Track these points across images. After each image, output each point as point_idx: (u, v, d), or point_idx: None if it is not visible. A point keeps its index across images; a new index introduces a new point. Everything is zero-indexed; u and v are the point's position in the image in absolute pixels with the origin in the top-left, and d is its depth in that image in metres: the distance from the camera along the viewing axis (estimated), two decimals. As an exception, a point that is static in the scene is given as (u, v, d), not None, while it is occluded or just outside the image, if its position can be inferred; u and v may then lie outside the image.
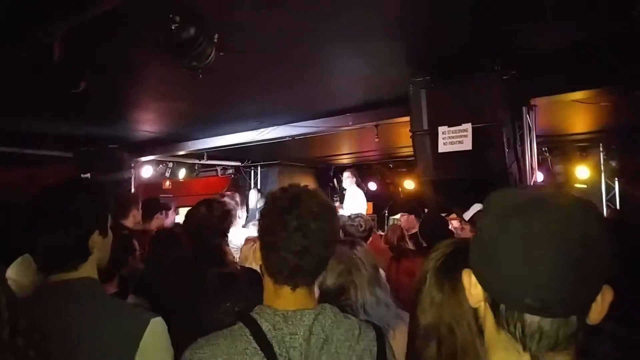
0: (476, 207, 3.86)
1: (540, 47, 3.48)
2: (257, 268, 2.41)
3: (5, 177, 9.75)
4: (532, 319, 0.68)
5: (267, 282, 1.17)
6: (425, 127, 3.84)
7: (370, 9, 2.81)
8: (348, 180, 7.40)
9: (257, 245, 1.19)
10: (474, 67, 3.58)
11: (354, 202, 7.21)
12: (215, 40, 2.18)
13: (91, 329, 1.19)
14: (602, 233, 0.68)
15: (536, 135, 4.30)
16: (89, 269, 1.29)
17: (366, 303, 1.72)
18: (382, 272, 1.98)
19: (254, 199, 8.36)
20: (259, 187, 9.19)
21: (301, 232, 1.10)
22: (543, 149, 7.17)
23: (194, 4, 2.16)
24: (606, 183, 7.21)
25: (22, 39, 3.07)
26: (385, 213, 8.45)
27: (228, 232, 2.20)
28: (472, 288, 0.76)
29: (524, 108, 4.01)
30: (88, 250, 1.29)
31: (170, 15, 2.00)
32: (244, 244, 2.62)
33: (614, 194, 7.20)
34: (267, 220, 1.15)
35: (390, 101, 4.67)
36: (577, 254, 0.65)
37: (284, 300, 1.12)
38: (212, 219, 2.11)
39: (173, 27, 2.01)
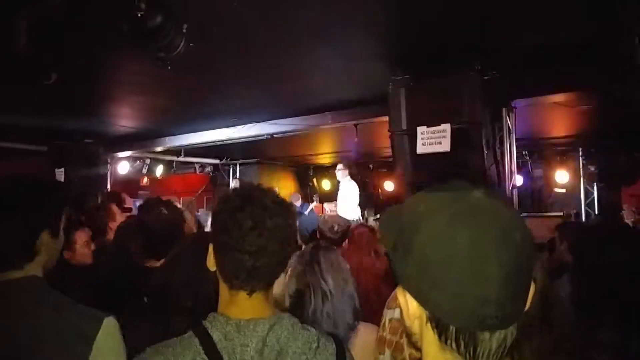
0: None
1: (521, 47, 3.45)
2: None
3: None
4: (483, 337, 0.66)
5: (222, 288, 1.10)
6: (404, 126, 3.78)
7: (350, 3, 2.74)
8: (341, 172, 7.31)
9: (210, 248, 1.11)
10: (454, 66, 3.54)
11: (347, 195, 7.13)
12: (184, 30, 2.08)
13: (40, 329, 1.14)
14: (523, 224, 0.68)
15: (516, 138, 4.30)
16: (33, 269, 1.23)
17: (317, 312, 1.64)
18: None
19: None
20: (238, 184, 9.08)
21: (257, 231, 1.03)
22: (523, 152, 7.22)
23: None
24: (585, 187, 7.29)
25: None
26: (365, 214, 8.42)
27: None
28: (409, 307, 0.73)
29: (504, 109, 4.00)
30: (35, 250, 1.23)
31: (135, 2, 1.89)
32: None
33: (593, 198, 7.29)
34: (220, 220, 1.07)
35: (370, 100, 4.62)
36: (520, 260, 0.65)
37: (238, 308, 1.05)
38: (175, 220, 2.02)
39: (139, 15, 1.90)
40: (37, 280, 1.23)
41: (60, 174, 6.84)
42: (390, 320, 1.64)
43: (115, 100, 5.25)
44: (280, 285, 1.64)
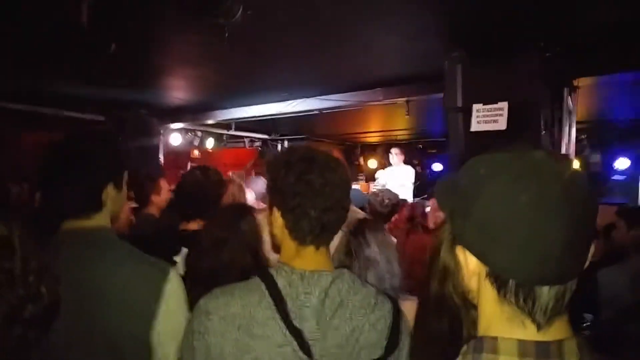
0: None
1: (588, 22, 3.26)
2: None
3: (44, 137, 10.09)
4: (542, 291, 0.68)
5: (289, 244, 1.14)
6: (459, 104, 3.70)
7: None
8: (396, 157, 7.16)
9: (277, 212, 1.14)
10: (514, 43, 3.41)
11: (403, 180, 6.95)
12: (243, -4, 2.11)
13: (110, 276, 1.19)
14: (585, 183, 0.69)
15: (576, 121, 4.10)
16: (102, 220, 1.29)
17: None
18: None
19: None
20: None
21: (327, 188, 1.10)
22: (581, 135, 6.87)
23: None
24: (647, 175, 6.88)
25: (50, 2, 3.07)
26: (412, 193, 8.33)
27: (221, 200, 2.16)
28: (469, 264, 0.74)
29: (565, 89, 3.80)
30: (102, 201, 1.28)
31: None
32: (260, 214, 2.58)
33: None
34: (287, 183, 1.11)
35: (423, 76, 4.52)
36: (582, 217, 0.66)
37: (304, 260, 1.11)
38: (207, 185, 2.08)
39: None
40: (107, 229, 1.30)
41: (117, 143, 7.14)
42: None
43: (169, 72, 5.41)
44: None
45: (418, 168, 9.04)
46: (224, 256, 1.72)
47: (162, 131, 7.66)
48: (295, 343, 1.01)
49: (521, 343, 0.67)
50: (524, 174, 0.67)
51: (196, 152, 10.01)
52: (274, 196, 1.15)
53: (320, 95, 5.58)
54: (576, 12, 3.14)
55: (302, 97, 5.76)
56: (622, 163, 6.85)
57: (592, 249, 0.70)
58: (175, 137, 7.94)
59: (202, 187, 2.10)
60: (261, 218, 2.41)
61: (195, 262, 1.78)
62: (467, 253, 0.73)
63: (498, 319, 0.71)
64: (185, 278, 1.42)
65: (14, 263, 0.84)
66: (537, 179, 0.66)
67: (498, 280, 0.70)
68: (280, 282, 1.06)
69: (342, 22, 3.46)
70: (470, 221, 0.71)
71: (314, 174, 1.09)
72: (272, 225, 1.18)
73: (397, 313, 1.14)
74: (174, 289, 1.24)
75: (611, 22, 3.21)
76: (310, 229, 1.10)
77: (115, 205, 1.33)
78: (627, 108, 5.86)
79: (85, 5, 2.84)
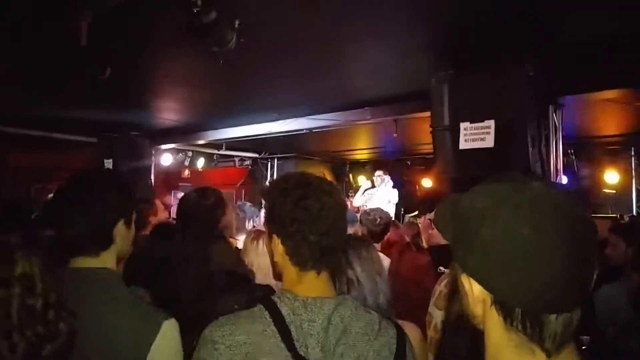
0: None
1: (571, 42, 3.35)
2: (260, 262, 2.34)
3: (34, 160, 10.04)
4: (550, 319, 0.69)
5: (290, 270, 1.15)
6: (447, 122, 3.75)
7: (395, -2, 2.75)
8: (379, 178, 7.25)
9: (276, 239, 1.15)
10: (500, 62, 3.48)
11: (389, 199, 7.04)
12: (236, 25, 2.15)
13: (103, 325, 1.18)
14: (583, 211, 0.71)
15: (562, 137, 4.17)
16: (109, 259, 1.30)
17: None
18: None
19: None
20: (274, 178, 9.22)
21: (324, 212, 1.11)
22: (569, 150, 6.97)
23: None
24: (637, 189, 6.97)
25: (48, 26, 3.10)
26: (401, 211, 8.36)
27: (219, 222, 2.16)
28: (475, 291, 0.75)
29: (550, 106, 3.88)
30: (112, 238, 1.30)
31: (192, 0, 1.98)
32: (246, 236, 2.56)
33: (647, 200, 6.99)
34: (285, 210, 1.13)
35: (411, 95, 4.59)
36: (583, 246, 0.68)
37: (305, 286, 1.12)
38: (203, 206, 2.09)
39: (195, 11, 1.99)
40: (110, 272, 1.29)
41: (108, 164, 7.14)
42: (442, 322, 1.64)
43: (161, 94, 5.45)
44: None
45: (408, 185, 9.10)
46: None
47: (153, 152, 7.66)
48: None
49: None
50: (524, 205, 0.70)
51: (186, 172, 10.00)
52: (273, 223, 1.16)
53: (309, 114, 5.65)
54: (558, 33, 3.23)
55: (292, 117, 5.82)
56: (611, 177, 6.95)
57: (594, 276, 0.71)
58: (166, 157, 7.94)
59: (198, 209, 2.10)
60: (247, 240, 2.42)
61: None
62: (472, 280, 0.75)
63: (506, 347, 0.72)
64: None
65: (35, 300, 0.85)
66: (536, 210, 0.69)
67: (504, 308, 0.71)
68: (284, 310, 1.07)
69: (330, 43, 3.52)
70: (473, 252, 0.73)
71: (311, 199, 1.11)
72: (272, 253, 1.18)
73: (401, 338, 1.14)
74: (163, 344, 1.20)
75: (592, 42, 3.30)
76: (310, 254, 1.11)
77: (124, 243, 1.34)
78: (612, 124, 5.98)
79: (85, 26, 2.86)
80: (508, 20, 3.06)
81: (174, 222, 3.03)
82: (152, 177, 7.77)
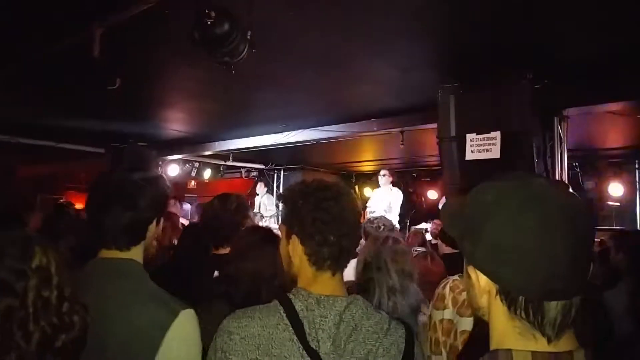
0: None
1: (575, 55, 3.40)
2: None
3: (41, 170, 10.15)
4: (550, 307, 0.73)
5: (307, 270, 1.19)
6: (453, 133, 3.80)
7: (402, 12, 2.81)
8: (384, 178, 6.91)
9: (296, 240, 1.19)
10: (505, 75, 3.53)
11: (391, 203, 6.76)
12: (249, 37, 2.22)
13: (124, 310, 1.23)
14: (582, 206, 0.76)
15: (567, 149, 4.21)
16: (138, 253, 1.36)
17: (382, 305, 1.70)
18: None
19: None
20: (281, 189, 9.25)
21: (343, 214, 1.16)
22: (574, 163, 6.99)
23: (227, 2, 2.20)
24: (641, 201, 6.98)
25: (61, 36, 3.18)
26: (407, 222, 8.37)
27: (242, 227, 2.20)
28: (481, 283, 0.80)
29: (555, 118, 3.93)
30: (145, 235, 1.36)
31: (206, 11, 2.05)
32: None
33: (650, 210, 6.98)
34: (307, 210, 1.17)
35: (417, 107, 4.65)
36: (583, 237, 0.74)
37: (320, 285, 1.16)
38: (226, 212, 2.13)
39: (208, 22, 2.05)
40: (135, 262, 1.34)
41: (115, 175, 7.19)
42: (441, 321, 1.68)
43: (169, 105, 5.52)
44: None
45: (414, 196, 9.12)
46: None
47: (160, 163, 7.72)
48: None
49: (534, 354, 0.73)
50: (528, 200, 0.75)
51: (192, 183, 10.05)
52: (293, 224, 1.20)
53: (316, 126, 5.71)
54: (562, 46, 3.29)
55: (299, 128, 5.88)
56: (615, 189, 6.95)
57: (591, 266, 0.76)
58: (173, 168, 8.00)
59: (219, 216, 2.15)
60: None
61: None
62: (478, 273, 0.79)
63: (510, 333, 0.77)
64: None
65: (51, 292, 0.89)
66: (540, 204, 0.74)
67: (509, 297, 0.76)
68: (298, 306, 1.11)
69: (338, 56, 3.59)
70: (480, 244, 0.77)
71: (331, 201, 1.16)
72: (290, 254, 1.22)
73: (410, 338, 1.18)
74: (179, 333, 1.22)
75: (595, 55, 3.35)
76: (329, 254, 1.16)
77: (151, 237, 1.40)
78: (617, 136, 6.00)
79: (98, 37, 2.92)
80: (510, 37, 3.13)
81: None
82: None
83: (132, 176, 1.37)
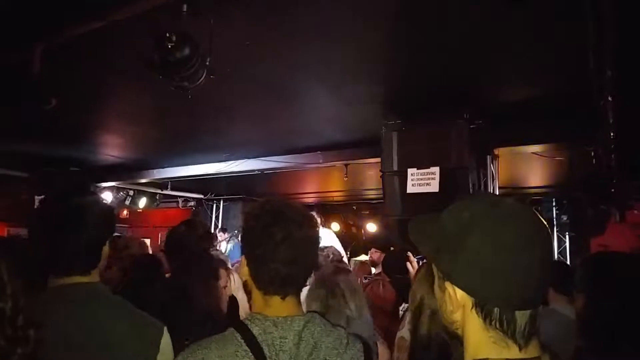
0: None
1: (505, 100, 3.75)
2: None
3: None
4: (521, 316, 0.80)
5: (256, 294, 1.20)
6: (395, 167, 3.98)
7: (351, 50, 2.96)
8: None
9: (244, 260, 1.21)
10: (444, 114, 3.80)
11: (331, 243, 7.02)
12: (208, 62, 2.23)
13: (110, 330, 1.23)
14: (544, 222, 0.85)
15: (498, 186, 4.55)
16: (96, 276, 1.35)
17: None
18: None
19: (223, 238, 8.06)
20: (219, 221, 9.05)
21: (288, 242, 1.15)
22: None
23: (187, 27, 2.21)
24: (558, 236, 7.58)
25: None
26: (347, 254, 8.47)
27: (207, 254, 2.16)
28: (457, 298, 0.85)
29: (488, 157, 4.25)
30: (100, 257, 1.36)
31: (167, 34, 2.05)
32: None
33: (565, 247, 7.60)
34: (252, 235, 1.19)
35: (361, 141, 4.82)
36: (549, 248, 0.85)
37: (273, 309, 1.16)
38: (192, 238, 2.08)
39: (169, 46, 2.05)
40: (102, 285, 1.35)
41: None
42: (400, 338, 1.74)
43: (110, 129, 5.30)
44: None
45: (353, 229, 9.29)
46: None
47: (93, 189, 7.32)
48: None
49: None
50: (505, 217, 0.82)
51: (125, 212, 9.59)
52: (244, 245, 1.22)
53: (261, 156, 5.71)
54: (496, 90, 3.62)
55: (244, 158, 5.86)
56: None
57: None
58: (106, 195, 7.61)
59: (186, 241, 2.10)
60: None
61: None
62: (456, 289, 0.85)
63: (485, 344, 0.82)
64: None
65: (5, 303, 0.83)
66: (515, 220, 0.82)
67: (484, 309, 0.81)
68: (255, 330, 1.10)
69: (288, 88, 3.68)
70: (459, 259, 0.83)
71: (276, 227, 1.15)
72: (242, 273, 1.23)
73: (368, 351, 1.22)
74: (167, 344, 1.32)
75: (520, 100, 3.72)
76: (270, 280, 1.15)
77: (104, 259, 1.39)
78: (538, 176, 6.56)
79: (39, 52, 2.78)
80: (451, 80, 3.40)
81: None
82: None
83: (84, 200, 1.36)
